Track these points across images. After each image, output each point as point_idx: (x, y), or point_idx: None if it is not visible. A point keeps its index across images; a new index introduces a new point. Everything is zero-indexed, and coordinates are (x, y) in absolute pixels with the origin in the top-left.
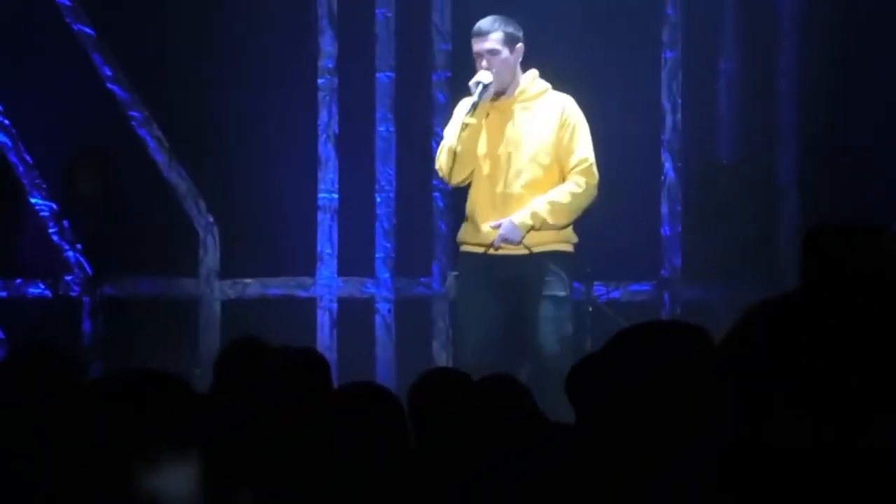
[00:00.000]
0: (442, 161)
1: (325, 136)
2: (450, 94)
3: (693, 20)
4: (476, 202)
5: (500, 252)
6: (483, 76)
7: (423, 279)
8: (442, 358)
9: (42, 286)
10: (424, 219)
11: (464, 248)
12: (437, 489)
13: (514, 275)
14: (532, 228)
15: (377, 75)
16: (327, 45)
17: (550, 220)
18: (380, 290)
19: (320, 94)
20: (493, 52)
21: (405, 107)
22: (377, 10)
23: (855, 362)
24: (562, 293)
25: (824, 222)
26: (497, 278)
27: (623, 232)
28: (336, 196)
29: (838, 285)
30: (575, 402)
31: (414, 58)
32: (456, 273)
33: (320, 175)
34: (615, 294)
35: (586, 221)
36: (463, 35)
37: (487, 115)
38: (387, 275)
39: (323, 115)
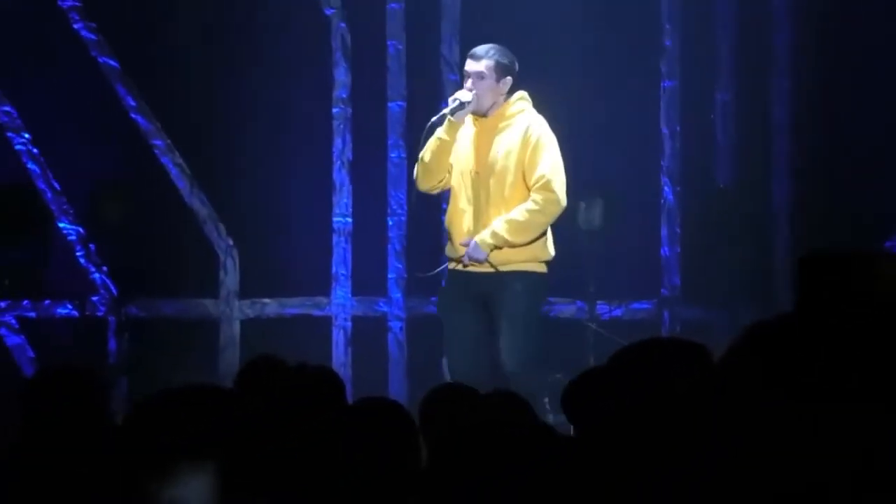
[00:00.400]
0: (417, 169)
1: (339, 162)
2: None
3: (690, 52)
4: (451, 218)
5: (473, 269)
6: (462, 95)
7: (433, 298)
8: None
9: (69, 307)
10: (434, 241)
11: (449, 263)
12: (447, 501)
13: (483, 291)
14: (495, 247)
15: (389, 104)
16: (341, 76)
17: (510, 238)
18: (392, 308)
19: (335, 123)
20: (479, 76)
21: (415, 134)
22: (388, 43)
23: (848, 381)
24: (521, 312)
25: (817, 246)
26: (470, 293)
27: (625, 253)
28: (350, 220)
29: (831, 308)
30: (573, 415)
31: (424, 88)
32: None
33: (335, 199)
34: (617, 312)
35: (590, 242)
36: None
37: (472, 125)
38: (398, 294)
39: (337, 142)
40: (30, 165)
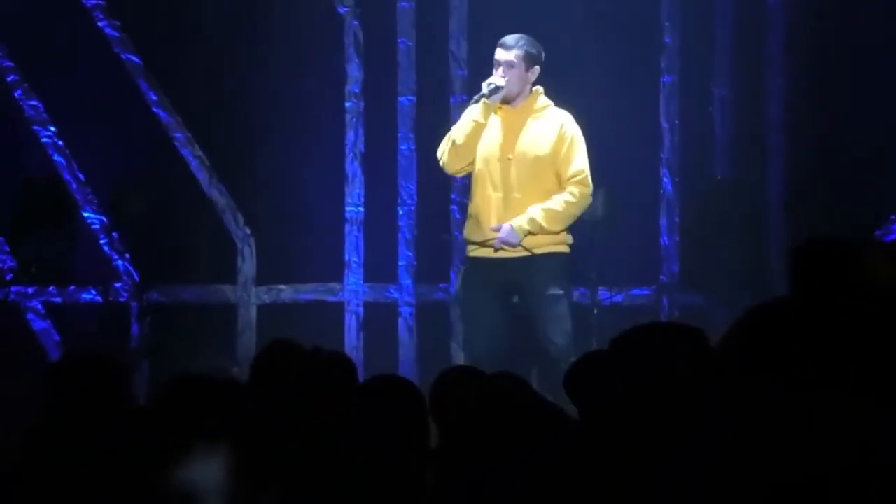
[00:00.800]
0: (443, 150)
1: (351, 154)
2: None
3: (689, 48)
4: (479, 203)
5: (502, 255)
6: (496, 80)
7: (441, 285)
8: (459, 357)
9: (94, 292)
10: (443, 229)
11: (469, 248)
12: (457, 476)
13: (515, 277)
14: (529, 233)
15: (399, 99)
16: (354, 72)
17: (546, 226)
18: (402, 295)
19: (347, 117)
20: (510, 65)
21: (425, 127)
22: (399, 40)
23: (841, 365)
24: (560, 291)
25: (810, 235)
26: (494, 281)
27: (625, 241)
28: (362, 209)
29: (825, 295)
30: (576, 397)
31: (433, 83)
32: (462, 270)
33: (347, 190)
34: (618, 298)
35: (592, 232)
36: (478, 62)
37: (496, 113)
38: (409, 281)
39: (350, 135)
40: (55, 157)
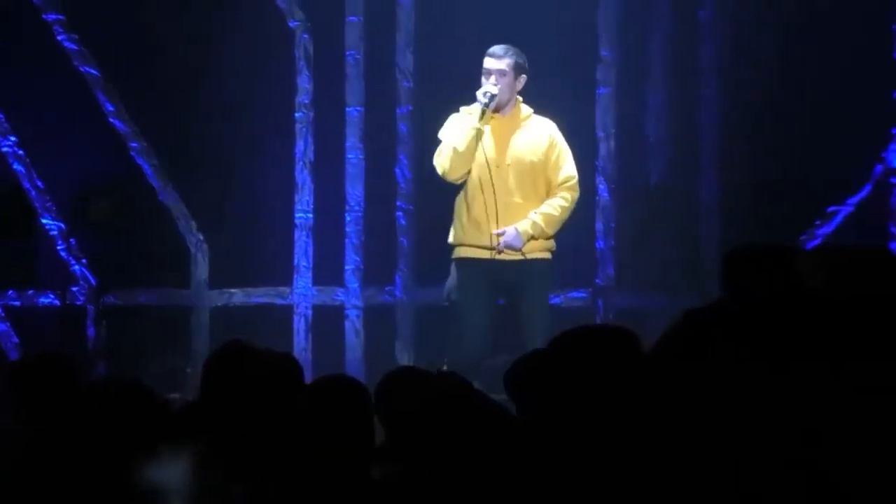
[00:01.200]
0: (443, 159)
1: (301, 162)
2: (411, 125)
3: (624, 60)
4: (480, 208)
5: (499, 257)
6: (490, 88)
7: (387, 288)
8: (404, 358)
9: (52, 296)
10: (389, 235)
11: (463, 250)
12: (401, 471)
13: (509, 278)
14: (532, 238)
15: (347, 109)
16: (304, 83)
17: (547, 230)
18: (349, 298)
19: (297, 126)
20: (501, 73)
21: (372, 137)
22: (347, 52)
23: (771, 365)
24: (546, 296)
25: (740, 238)
26: (494, 280)
27: (563, 246)
28: (311, 215)
29: (756, 297)
30: (515, 395)
31: (380, 94)
32: (453, 278)
33: (297, 197)
34: (556, 300)
35: None
36: (423, 74)
37: (489, 121)
38: (356, 285)
39: (300, 144)
40: (15, 166)
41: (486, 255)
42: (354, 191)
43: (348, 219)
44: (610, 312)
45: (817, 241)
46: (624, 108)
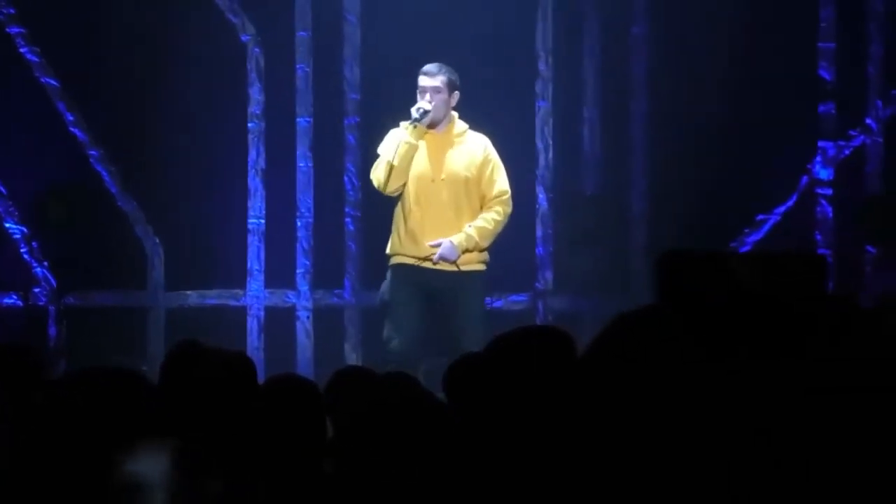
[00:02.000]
0: (379, 173)
1: (253, 170)
2: (359, 136)
3: (561, 75)
4: (415, 221)
5: (429, 266)
6: (424, 104)
7: (336, 291)
8: (352, 358)
9: (14, 297)
10: (338, 240)
11: (397, 259)
12: (350, 466)
13: (442, 287)
14: (466, 250)
15: (298, 120)
16: (256, 95)
17: (481, 243)
18: (300, 300)
19: (250, 136)
20: (436, 90)
21: (321, 146)
22: (297, 66)
23: (703, 369)
24: (479, 308)
25: (669, 245)
26: (427, 287)
27: (504, 252)
28: (263, 221)
29: (686, 301)
30: (453, 395)
31: (328, 105)
32: (387, 282)
33: (250, 203)
34: (498, 303)
35: None
36: (370, 86)
37: (422, 138)
38: (306, 287)
39: (252, 153)
40: None
41: (420, 264)
42: (305, 198)
43: (299, 224)
44: (549, 315)
45: (747, 248)
46: (561, 120)
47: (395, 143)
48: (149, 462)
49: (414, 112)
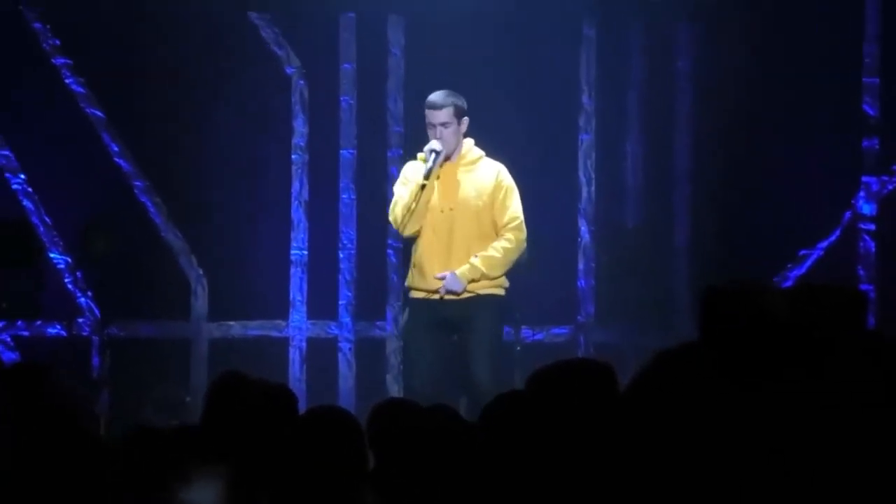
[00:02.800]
0: (397, 214)
1: (297, 202)
2: (401, 167)
3: (605, 109)
4: (423, 253)
5: (443, 297)
6: (435, 145)
7: (378, 322)
8: (394, 389)
9: (58, 327)
10: (380, 272)
11: (411, 293)
12: (392, 496)
13: (454, 315)
14: (472, 280)
15: (341, 152)
16: (300, 127)
17: (487, 272)
18: (342, 331)
19: (293, 168)
20: (444, 125)
21: (364, 178)
22: (341, 98)
23: (747, 404)
24: (493, 331)
25: (711, 279)
26: (440, 318)
27: (546, 284)
28: (306, 252)
29: (730, 335)
30: (491, 430)
31: (372, 137)
32: (404, 318)
33: (293, 235)
34: (539, 336)
35: (516, 275)
36: (413, 119)
37: (438, 177)
38: (348, 319)
39: (295, 185)
40: (25, 202)
41: (428, 295)
42: (347, 229)
43: (341, 256)
44: (591, 347)
45: (789, 283)
46: (603, 153)
47: (410, 184)
48: (202, 490)
49: (427, 154)
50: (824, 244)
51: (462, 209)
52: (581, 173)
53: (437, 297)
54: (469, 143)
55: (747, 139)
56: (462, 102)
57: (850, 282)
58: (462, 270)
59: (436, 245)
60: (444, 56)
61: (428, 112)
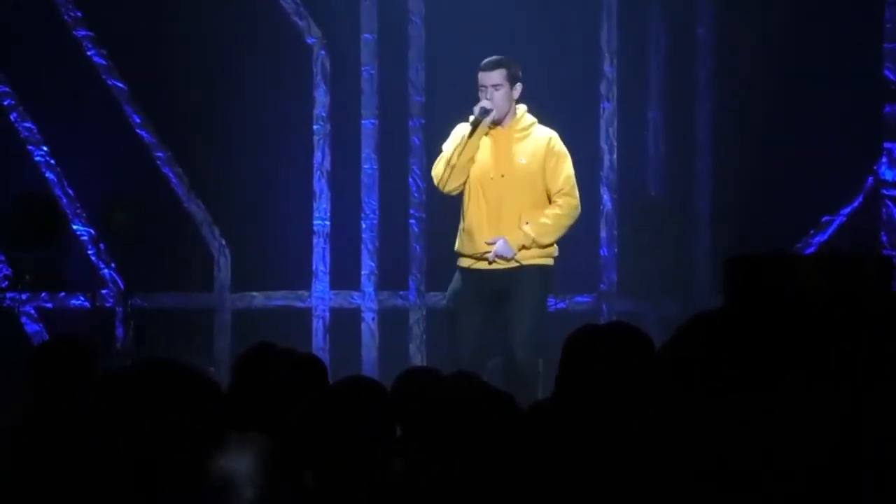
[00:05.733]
0: (439, 170)
1: (319, 172)
2: (423, 137)
3: (626, 77)
4: (473, 218)
5: (492, 266)
6: (485, 103)
7: (401, 293)
8: (417, 358)
9: (82, 298)
10: (402, 242)
11: (460, 260)
12: (420, 462)
13: (497, 287)
14: (523, 247)
15: (363, 122)
16: (321, 97)
17: (538, 239)
18: (365, 301)
19: (315, 138)
20: (496, 87)
21: (386, 148)
22: (363, 68)
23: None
24: (539, 301)
25: (733, 247)
26: (484, 291)
27: (569, 253)
28: (328, 223)
29: (756, 304)
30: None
31: (393, 107)
32: (452, 284)
33: (315, 205)
34: (562, 305)
35: None
36: (435, 88)
37: (486, 134)
38: (371, 289)
39: (317, 155)
40: (48, 174)
41: (478, 265)
42: (370, 199)
43: (364, 226)
44: (613, 316)
45: (812, 249)
46: (625, 121)
47: (457, 140)
48: (239, 457)
49: (476, 110)
50: (847, 210)
51: (513, 176)
52: (603, 141)
53: (485, 262)
54: (522, 109)
55: (768, 107)
56: (516, 69)
57: (873, 247)
58: (514, 236)
59: (486, 211)
60: (465, 25)
61: (480, 75)
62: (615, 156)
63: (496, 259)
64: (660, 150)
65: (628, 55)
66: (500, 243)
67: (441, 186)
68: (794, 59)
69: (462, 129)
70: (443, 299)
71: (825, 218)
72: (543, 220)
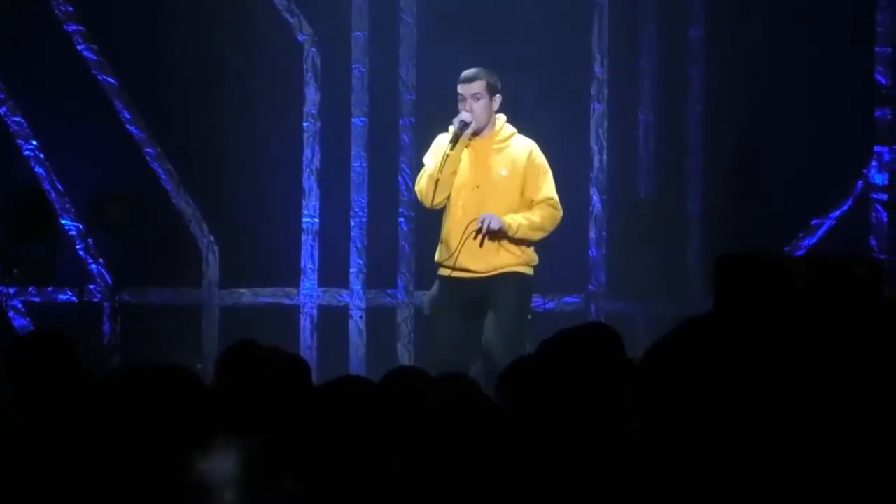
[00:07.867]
0: (422, 186)
1: (308, 170)
2: (413, 136)
3: (617, 78)
4: (451, 229)
5: (470, 275)
6: (465, 116)
7: (389, 291)
8: (405, 357)
9: (69, 293)
10: (391, 240)
11: (439, 269)
12: (410, 466)
13: (475, 295)
14: (507, 225)
15: (353, 120)
16: (311, 95)
17: (525, 228)
18: (353, 299)
19: (305, 136)
20: (475, 97)
21: (376, 146)
22: (353, 66)
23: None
24: (516, 309)
25: (722, 248)
26: (460, 299)
27: (558, 254)
28: (317, 220)
29: (745, 304)
30: (507, 395)
31: (384, 105)
32: (430, 293)
33: (304, 203)
34: (550, 305)
35: None
36: (425, 87)
37: (466, 146)
38: (359, 287)
39: (307, 152)
40: (37, 169)
41: (457, 273)
42: (359, 197)
43: (353, 224)
44: (601, 317)
45: (801, 252)
46: (616, 122)
47: (438, 154)
48: (221, 460)
49: (455, 123)
50: (836, 213)
51: (492, 186)
52: (593, 142)
53: (462, 271)
54: (502, 119)
55: (760, 108)
56: (496, 80)
57: (862, 251)
58: (493, 238)
59: (465, 222)
60: (456, 24)
61: (460, 86)
62: (605, 156)
63: (489, 232)
64: (650, 151)
65: (619, 56)
66: (488, 215)
67: (426, 202)
68: (785, 61)
69: (442, 140)
70: None
71: (815, 221)
72: (530, 216)
